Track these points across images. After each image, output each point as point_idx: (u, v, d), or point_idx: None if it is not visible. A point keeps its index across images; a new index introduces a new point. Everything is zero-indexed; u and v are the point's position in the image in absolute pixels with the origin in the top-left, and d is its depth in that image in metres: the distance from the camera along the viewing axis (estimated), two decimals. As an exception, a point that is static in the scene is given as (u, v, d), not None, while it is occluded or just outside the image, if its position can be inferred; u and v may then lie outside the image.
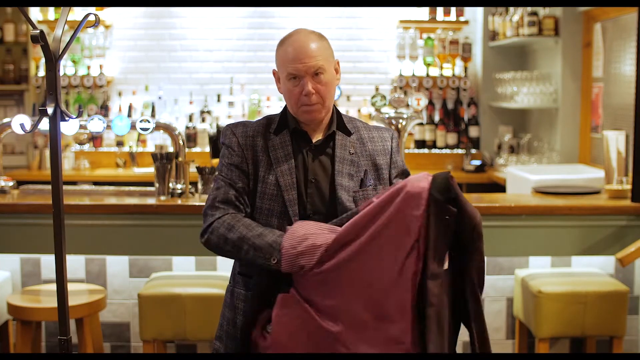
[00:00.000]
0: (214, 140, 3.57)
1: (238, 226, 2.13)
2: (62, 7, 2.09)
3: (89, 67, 5.97)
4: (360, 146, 2.27)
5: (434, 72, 6.05)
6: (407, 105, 3.70)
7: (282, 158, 2.20)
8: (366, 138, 2.29)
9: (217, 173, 2.24)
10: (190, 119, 6.00)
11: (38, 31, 1.96)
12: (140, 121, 3.63)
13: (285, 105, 2.26)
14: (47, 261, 3.67)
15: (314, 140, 2.24)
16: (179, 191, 3.56)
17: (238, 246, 2.11)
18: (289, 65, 2.15)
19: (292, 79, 2.16)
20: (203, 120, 5.98)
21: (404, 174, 2.32)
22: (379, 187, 2.25)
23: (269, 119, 2.29)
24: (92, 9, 5.60)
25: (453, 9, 6.03)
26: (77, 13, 5.67)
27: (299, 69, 2.14)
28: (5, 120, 3.64)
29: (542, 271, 3.59)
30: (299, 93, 2.16)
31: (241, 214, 2.17)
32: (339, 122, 2.27)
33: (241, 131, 2.24)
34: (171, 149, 5.33)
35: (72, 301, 3.15)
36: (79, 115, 2.18)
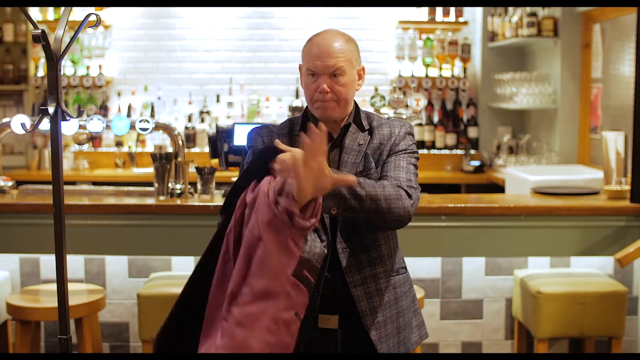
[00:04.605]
0: (213, 141, 3.56)
1: None
2: (63, 8, 2.09)
3: (88, 67, 5.97)
4: (370, 138, 2.27)
5: (433, 72, 6.05)
6: (406, 106, 3.71)
7: None
8: (375, 128, 2.29)
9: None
10: (190, 119, 6.00)
11: (40, 31, 1.96)
12: (140, 121, 3.64)
13: (307, 106, 2.27)
14: (47, 261, 3.67)
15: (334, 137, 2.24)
16: (178, 191, 3.56)
17: None
18: (309, 61, 2.19)
19: (311, 75, 2.20)
20: (202, 120, 5.99)
21: (403, 152, 2.26)
22: (378, 169, 2.23)
23: (291, 121, 2.31)
24: (91, 9, 5.59)
25: (452, 10, 6.03)
26: (76, 13, 5.66)
27: (317, 66, 2.17)
28: (5, 120, 3.64)
29: (541, 271, 3.60)
30: (314, 89, 2.19)
31: None
32: (356, 117, 2.28)
33: (266, 132, 2.27)
34: (170, 149, 5.34)
35: (71, 301, 3.15)
36: (79, 115, 2.18)
